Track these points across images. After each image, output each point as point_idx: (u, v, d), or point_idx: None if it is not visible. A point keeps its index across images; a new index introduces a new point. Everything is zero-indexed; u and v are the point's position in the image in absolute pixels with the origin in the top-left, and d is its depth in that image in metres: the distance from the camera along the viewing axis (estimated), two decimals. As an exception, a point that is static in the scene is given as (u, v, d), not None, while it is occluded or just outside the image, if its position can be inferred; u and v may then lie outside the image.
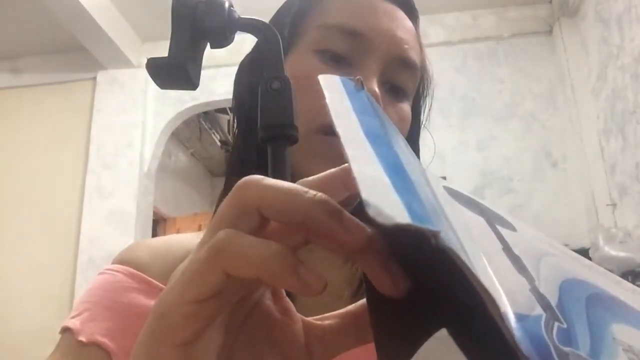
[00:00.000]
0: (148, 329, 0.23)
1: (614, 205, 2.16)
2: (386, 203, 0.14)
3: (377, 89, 0.47)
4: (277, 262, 0.20)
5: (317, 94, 0.48)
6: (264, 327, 0.25)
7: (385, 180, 0.16)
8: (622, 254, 1.83)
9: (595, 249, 1.90)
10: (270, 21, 0.53)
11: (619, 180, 2.12)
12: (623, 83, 2.07)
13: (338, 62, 0.49)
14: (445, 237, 0.14)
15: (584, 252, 1.85)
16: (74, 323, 0.45)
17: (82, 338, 0.43)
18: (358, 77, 0.30)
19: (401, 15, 0.53)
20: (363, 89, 0.26)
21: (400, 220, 0.14)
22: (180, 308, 0.21)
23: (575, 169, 2.37)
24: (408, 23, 0.54)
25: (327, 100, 0.23)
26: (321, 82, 0.26)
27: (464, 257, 0.13)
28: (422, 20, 0.57)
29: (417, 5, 0.57)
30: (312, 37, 0.50)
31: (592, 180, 2.28)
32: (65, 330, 0.45)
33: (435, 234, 0.14)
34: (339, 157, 0.49)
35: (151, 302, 0.47)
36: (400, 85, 0.52)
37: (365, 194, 0.15)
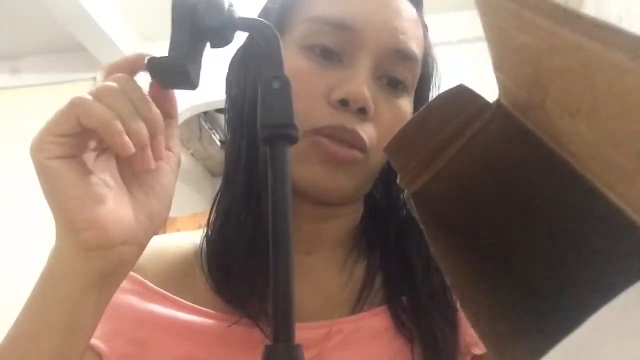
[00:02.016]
0: (31, 147, 0.34)
1: (614, 205, 2.15)
2: None
3: (366, 91, 0.45)
4: (107, 123, 0.33)
5: (306, 96, 0.48)
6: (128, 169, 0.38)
7: None
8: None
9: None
10: (257, 16, 0.52)
11: (618, 180, 2.12)
12: (623, 83, 2.07)
13: (327, 59, 0.46)
14: None
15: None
16: None
17: None
18: None
19: (396, 0, 0.49)
20: None
21: None
22: (47, 137, 0.34)
23: (575, 168, 2.37)
24: (405, 7, 0.49)
25: None
26: None
27: None
28: (422, 20, 0.55)
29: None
30: (299, 32, 0.47)
31: (592, 180, 2.28)
32: None
33: None
34: (327, 158, 0.49)
35: (144, 305, 0.47)
36: (399, 78, 0.48)
37: None
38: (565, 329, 0.16)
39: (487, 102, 0.20)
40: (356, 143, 0.45)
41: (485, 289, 0.20)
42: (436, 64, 0.55)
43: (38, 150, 0.34)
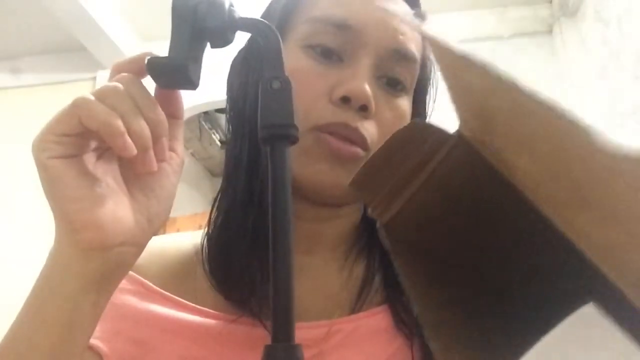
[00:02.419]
0: (33, 146, 0.34)
1: (614, 205, 2.15)
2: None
3: (367, 89, 0.45)
4: (109, 124, 0.33)
5: (308, 95, 0.48)
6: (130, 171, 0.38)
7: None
8: (622, 254, 1.82)
9: (595, 249, 1.89)
10: (261, 17, 0.52)
11: (618, 180, 2.12)
12: (623, 83, 2.07)
13: (328, 58, 0.47)
14: None
15: (583, 252, 1.84)
16: None
17: None
18: None
19: (396, 3, 0.50)
20: None
21: None
22: (48, 136, 0.34)
23: (575, 169, 2.37)
24: (405, 10, 0.51)
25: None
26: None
27: None
28: (422, 20, 0.56)
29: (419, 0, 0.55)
30: (301, 32, 0.48)
31: (592, 180, 2.28)
32: None
33: None
34: (330, 155, 0.49)
35: (145, 305, 0.47)
36: (398, 78, 0.49)
37: (582, 120, 0.13)
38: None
39: (448, 133, 0.21)
40: (358, 140, 0.46)
41: (457, 313, 0.20)
42: (434, 67, 0.55)
43: (39, 149, 0.34)
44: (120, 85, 0.35)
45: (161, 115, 0.36)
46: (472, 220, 0.19)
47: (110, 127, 0.33)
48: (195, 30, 0.34)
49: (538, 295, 0.18)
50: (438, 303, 0.20)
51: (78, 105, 0.33)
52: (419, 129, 0.21)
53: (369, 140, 0.46)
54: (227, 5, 0.35)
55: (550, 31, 2.62)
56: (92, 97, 0.33)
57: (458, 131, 0.21)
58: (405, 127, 0.21)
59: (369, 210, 0.23)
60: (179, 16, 0.34)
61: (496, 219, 0.18)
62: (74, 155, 0.34)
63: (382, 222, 0.22)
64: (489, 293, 0.19)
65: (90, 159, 0.36)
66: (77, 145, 0.34)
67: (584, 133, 0.13)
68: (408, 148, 0.21)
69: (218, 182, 0.53)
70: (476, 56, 0.16)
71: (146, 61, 0.36)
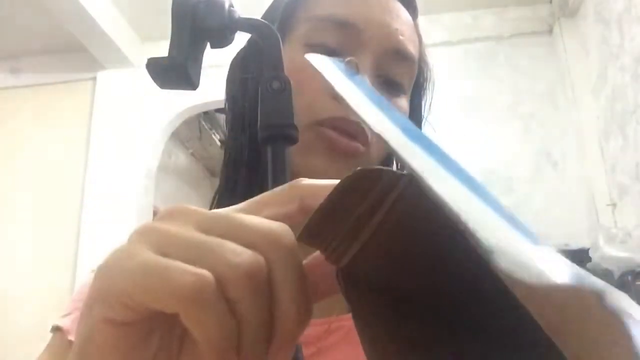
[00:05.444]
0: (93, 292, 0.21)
1: (614, 205, 2.16)
2: (518, 250, 0.11)
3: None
4: (218, 341, 0.19)
5: (310, 90, 0.48)
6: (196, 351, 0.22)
7: (483, 206, 0.13)
8: (622, 254, 1.83)
9: (595, 249, 1.90)
10: (263, 15, 0.52)
11: (619, 180, 2.12)
12: (623, 83, 2.07)
13: (330, 56, 0.48)
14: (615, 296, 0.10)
15: (584, 252, 1.85)
16: (64, 322, 0.45)
17: (72, 337, 0.43)
18: (350, 58, 0.36)
19: (396, 6, 0.51)
20: (358, 72, 0.25)
21: (560, 280, 0.10)
22: (123, 298, 0.20)
23: (575, 169, 2.37)
24: (404, 14, 0.52)
25: (333, 84, 0.22)
26: (313, 63, 0.27)
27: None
28: (422, 20, 0.56)
29: (417, 6, 0.56)
30: (303, 30, 0.49)
31: (592, 180, 2.28)
32: (56, 330, 0.45)
33: (601, 295, 0.10)
34: (330, 149, 0.48)
35: None
36: (396, 79, 0.49)
37: (485, 237, 0.11)
38: None
39: (399, 174, 0.20)
40: (359, 135, 0.46)
41: None
42: (430, 71, 0.56)
43: (99, 302, 0.21)
44: (264, 268, 0.20)
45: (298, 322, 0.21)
46: (435, 258, 0.19)
47: (215, 343, 0.19)
48: (195, 30, 0.34)
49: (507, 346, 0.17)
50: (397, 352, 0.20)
51: (187, 302, 0.19)
52: (365, 175, 0.20)
53: (369, 136, 0.47)
54: (226, 6, 0.35)
55: (550, 31, 2.62)
56: (212, 281, 0.19)
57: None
58: (349, 176, 0.20)
59: (325, 258, 0.22)
60: (178, 16, 0.34)
61: (455, 255, 0.18)
62: (132, 323, 0.21)
63: (339, 266, 0.21)
64: (451, 340, 0.18)
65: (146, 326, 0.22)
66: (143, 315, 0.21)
67: (485, 253, 0.11)
68: (357, 194, 0.20)
69: (217, 182, 0.53)
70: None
71: (145, 61, 0.36)
